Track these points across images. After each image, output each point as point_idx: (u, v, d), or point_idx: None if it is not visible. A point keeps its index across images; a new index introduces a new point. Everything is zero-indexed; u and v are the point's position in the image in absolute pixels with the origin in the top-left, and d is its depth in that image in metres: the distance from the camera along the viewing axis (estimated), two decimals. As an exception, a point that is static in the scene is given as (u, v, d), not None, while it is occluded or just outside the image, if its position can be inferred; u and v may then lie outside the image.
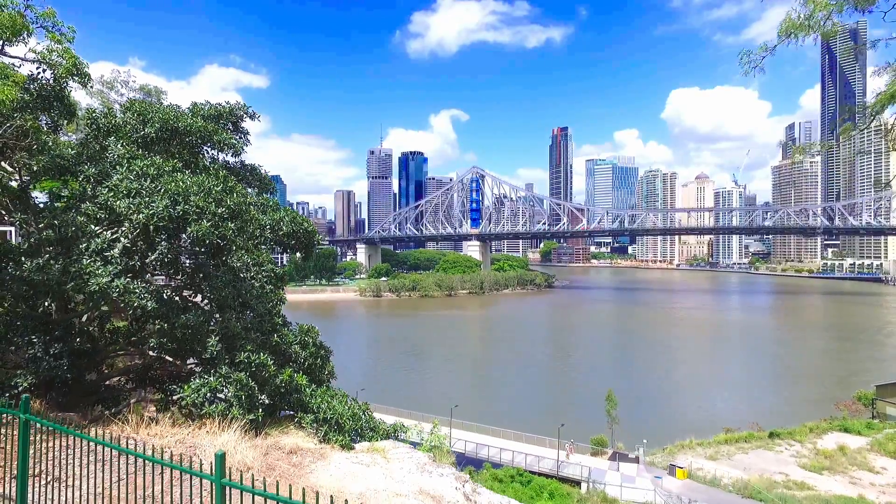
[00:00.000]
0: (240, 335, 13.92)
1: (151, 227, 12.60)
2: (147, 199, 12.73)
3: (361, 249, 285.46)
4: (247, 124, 18.55)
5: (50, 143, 12.64)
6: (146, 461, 6.55)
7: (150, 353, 16.37)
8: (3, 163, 14.00)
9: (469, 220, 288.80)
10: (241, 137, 17.62)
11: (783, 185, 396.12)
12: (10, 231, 19.18)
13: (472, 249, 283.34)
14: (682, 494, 47.17)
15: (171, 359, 15.61)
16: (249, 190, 18.15)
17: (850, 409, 68.11)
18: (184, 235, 14.62)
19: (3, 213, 15.59)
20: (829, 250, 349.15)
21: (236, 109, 17.70)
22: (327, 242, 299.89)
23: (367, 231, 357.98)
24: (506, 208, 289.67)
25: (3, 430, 9.42)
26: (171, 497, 7.20)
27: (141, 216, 12.57)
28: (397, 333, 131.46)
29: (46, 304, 16.30)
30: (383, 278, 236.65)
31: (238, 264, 16.13)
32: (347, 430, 14.91)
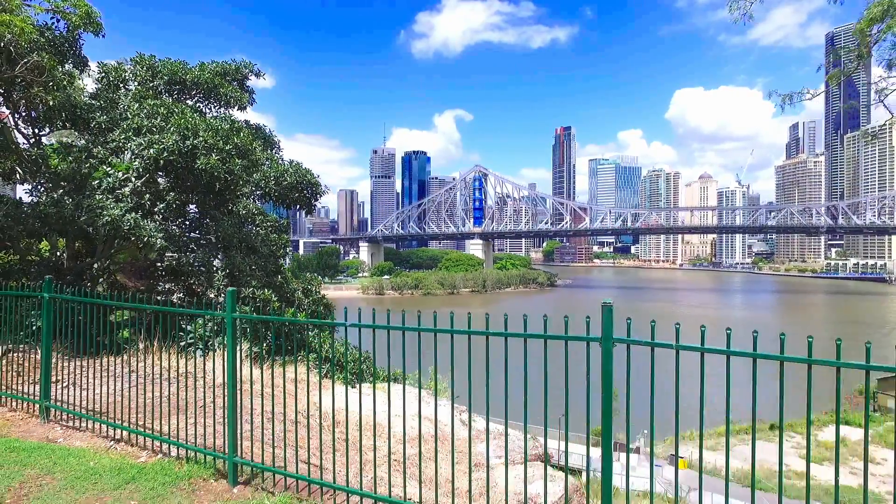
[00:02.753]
0: (245, 272, 14.41)
1: (162, 161, 13.09)
2: (157, 136, 13.23)
3: (364, 248, 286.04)
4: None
5: (65, 82, 13.12)
6: (164, 308, 7.00)
7: (158, 297, 16.92)
8: (19, 107, 14.53)
9: (472, 219, 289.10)
10: (246, 94, 18.11)
11: (787, 185, 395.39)
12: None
13: (475, 248, 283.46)
14: (682, 483, 47.72)
15: (177, 300, 16.13)
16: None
17: (852, 403, 68.19)
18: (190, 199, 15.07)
19: (18, 168, 16.13)
20: (833, 250, 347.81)
21: (242, 67, 18.17)
22: (330, 241, 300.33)
23: (369, 230, 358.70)
24: (509, 207, 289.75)
25: (21, 355, 9.92)
26: (179, 398, 7.59)
27: (152, 151, 13.06)
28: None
29: (58, 254, 16.86)
30: (386, 276, 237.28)
31: (243, 212, 16.62)
32: (348, 370, 15.41)
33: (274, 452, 6.08)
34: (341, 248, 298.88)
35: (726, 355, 4.01)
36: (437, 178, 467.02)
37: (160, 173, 16.26)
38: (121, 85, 16.66)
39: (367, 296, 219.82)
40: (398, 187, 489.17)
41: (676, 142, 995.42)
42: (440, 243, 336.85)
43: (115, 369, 9.23)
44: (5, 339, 10.19)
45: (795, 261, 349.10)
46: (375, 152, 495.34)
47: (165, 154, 13.02)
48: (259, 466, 5.94)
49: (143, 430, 6.99)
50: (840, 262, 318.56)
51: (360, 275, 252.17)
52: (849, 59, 16.26)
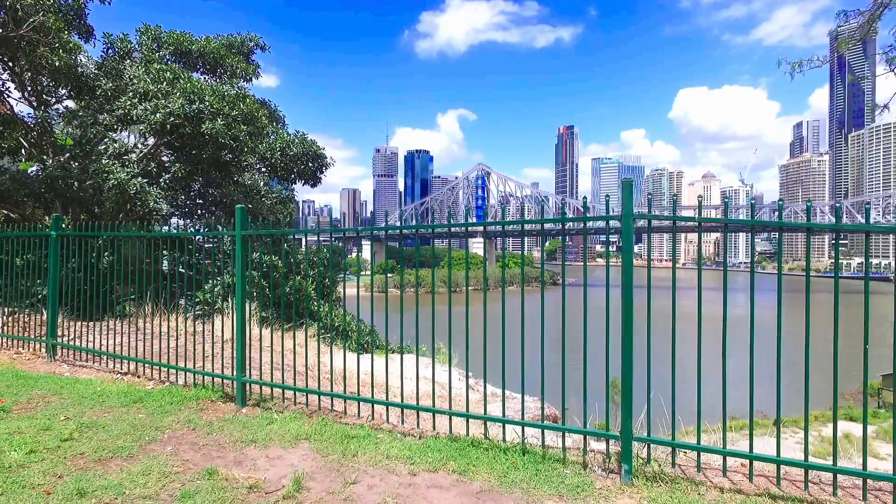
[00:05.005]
0: (251, 238, 14.38)
1: (168, 126, 13.05)
2: (163, 100, 13.18)
3: (367, 246, 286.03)
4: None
5: (71, 45, 13.07)
6: (175, 233, 6.92)
7: (163, 268, 16.90)
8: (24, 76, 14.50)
9: (474, 218, 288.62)
10: (252, 66, 18.05)
11: (790, 184, 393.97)
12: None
13: (478, 247, 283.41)
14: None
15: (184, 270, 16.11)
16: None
17: (856, 399, 67.91)
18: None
19: (24, 142, 16.11)
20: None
21: (247, 40, 18.12)
22: (333, 239, 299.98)
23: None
24: (511, 206, 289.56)
25: (26, 316, 9.88)
26: (186, 349, 7.51)
27: (158, 116, 13.02)
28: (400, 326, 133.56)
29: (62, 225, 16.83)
30: (388, 275, 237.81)
31: (249, 182, 16.57)
32: (354, 339, 15.35)
33: (283, 378, 6.04)
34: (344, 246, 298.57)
35: (751, 226, 3.93)
36: (439, 177, 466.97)
37: (164, 149, 16.23)
38: (126, 56, 16.63)
39: (369, 293, 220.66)
40: (401, 186, 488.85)
41: (680, 141, 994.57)
42: (442, 242, 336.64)
43: (120, 328, 9.19)
44: (11, 304, 10.25)
45: (799, 260, 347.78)
46: (378, 151, 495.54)
47: (172, 119, 12.98)
48: (268, 384, 5.89)
49: (151, 360, 6.95)
50: (844, 262, 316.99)
51: (362, 273, 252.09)
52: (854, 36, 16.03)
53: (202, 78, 17.35)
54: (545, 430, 4.41)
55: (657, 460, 4.13)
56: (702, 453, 4.07)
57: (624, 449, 3.91)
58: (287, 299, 14.99)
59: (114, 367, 7.33)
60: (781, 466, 3.79)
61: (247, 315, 10.62)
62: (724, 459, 3.92)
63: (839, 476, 3.77)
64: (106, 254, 18.56)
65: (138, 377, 6.95)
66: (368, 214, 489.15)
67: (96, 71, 15.43)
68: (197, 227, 14.86)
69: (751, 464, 3.85)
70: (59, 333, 8.59)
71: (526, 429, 4.63)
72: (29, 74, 14.76)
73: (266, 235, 6.16)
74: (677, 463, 4.15)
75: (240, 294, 6.05)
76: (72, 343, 7.91)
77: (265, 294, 13.73)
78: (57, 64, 12.65)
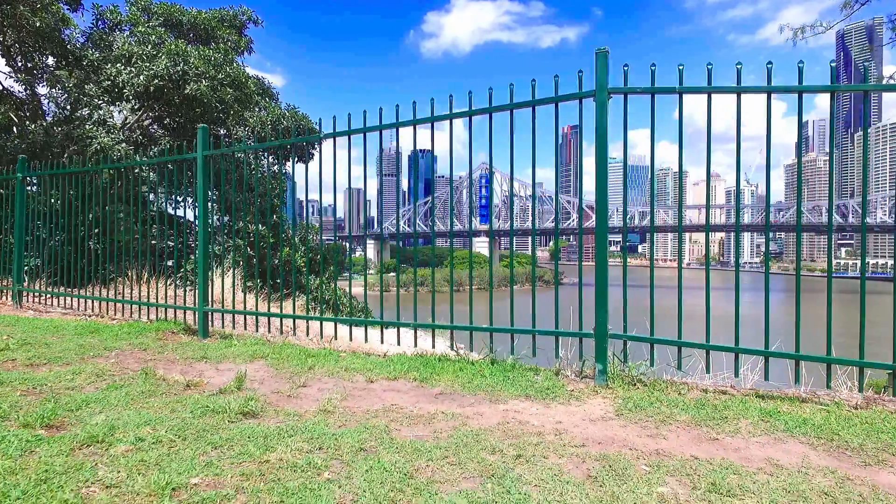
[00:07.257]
0: (239, 207, 14.08)
1: (152, 88, 12.77)
2: (147, 63, 12.91)
3: (370, 245, 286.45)
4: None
5: (54, 8, 12.81)
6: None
7: (153, 241, 16.63)
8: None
9: (478, 217, 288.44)
10: (245, 39, 17.77)
11: (795, 184, 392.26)
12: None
13: (481, 246, 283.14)
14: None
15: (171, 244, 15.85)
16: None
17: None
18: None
19: (14, 117, 15.87)
20: (843, 249, 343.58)
21: (240, 14, 17.83)
22: (337, 238, 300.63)
23: (376, 228, 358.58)
24: (515, 205, 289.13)
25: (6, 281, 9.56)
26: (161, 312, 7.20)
27: (142, 78, 12.74)
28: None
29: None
30: (392, 273, 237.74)
31: (240, 156, 16.27)
32: (345, 313, 15.06)
33: (245, 306, 5.72)
34: (348, 245, 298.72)
35: (737, 93, 3.62)
36: (443, 176, 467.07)
37: (154, 124, 15.96)
38: (115, 27, 16.38)
39: (373, 292, 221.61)
40: (405, 186, 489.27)
41: (684, 141, 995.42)
42: (446, 241, 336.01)
43: (100, 291, 8.88)
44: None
45: (804, 260, 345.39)
46: (382, 151, 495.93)
47: (156, 81, 12.69)
48: (230, 311, 5.58)
49: (115, 298, 6.66)
50: (850, 262, 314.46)
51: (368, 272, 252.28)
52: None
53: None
54: (514, 335, 4.08)
55: (635, 366, 3.78)
56: (685, 379, 3.73)
57: (598, 347, 3.57)
58: (273, 269, 14.75)
59: (82, 310, 7.03)
60: (770, 363, 3.45)
61: (233, 280, 10.17)
62: (708, 354, 3.58)
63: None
64: (96, 230, 18.38)
65: (101, 317, 6.65)
66: (372, 214, 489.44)
67: (84, 41, 15.19)
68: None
69: (737, 358, 3.51)
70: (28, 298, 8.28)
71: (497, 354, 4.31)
72: (17, 45, 14.53)
73: (229, 154, 5.83)
74: (657, 365, 3.81)
75: (202, 222, 5.75)
76: (38, 289, 7.62)
77: (252, 267, 13.46)
78: (38, 25, 12.37)
